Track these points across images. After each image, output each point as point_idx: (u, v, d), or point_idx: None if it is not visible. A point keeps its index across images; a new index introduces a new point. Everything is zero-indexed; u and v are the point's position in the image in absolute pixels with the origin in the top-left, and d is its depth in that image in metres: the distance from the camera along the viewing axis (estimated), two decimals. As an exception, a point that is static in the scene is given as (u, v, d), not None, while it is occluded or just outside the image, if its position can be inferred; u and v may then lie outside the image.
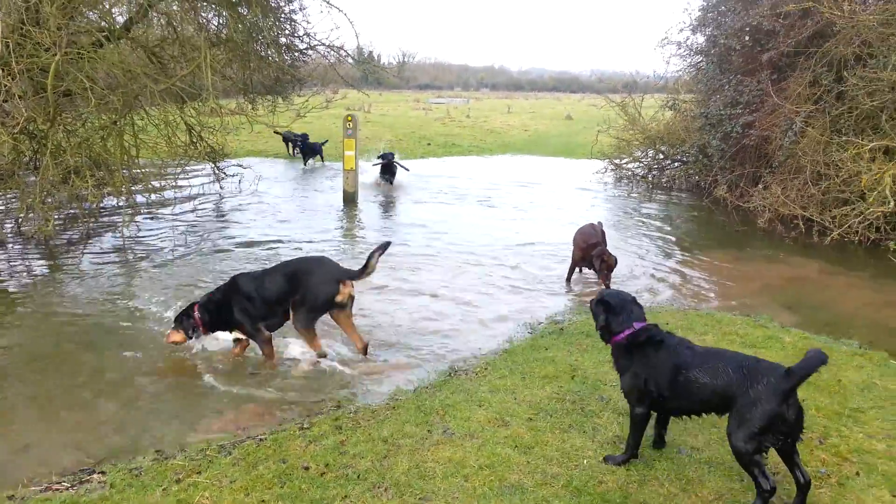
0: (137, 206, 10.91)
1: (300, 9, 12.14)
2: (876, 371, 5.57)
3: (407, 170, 15.24)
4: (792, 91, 11.81)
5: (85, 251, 9.09)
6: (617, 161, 17.95)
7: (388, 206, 13.39)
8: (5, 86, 7.30)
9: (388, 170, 14.92)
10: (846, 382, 5.29)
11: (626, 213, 13.44)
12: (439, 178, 16.44)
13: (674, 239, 11.01)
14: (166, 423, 4.60)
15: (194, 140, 11.92)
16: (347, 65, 12.75)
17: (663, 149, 17.19)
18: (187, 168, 13.17)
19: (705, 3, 14.76)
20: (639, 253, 9.90)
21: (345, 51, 11.63)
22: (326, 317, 5.69)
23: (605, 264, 7.79)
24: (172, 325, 5.62)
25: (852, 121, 10.63)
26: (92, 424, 4.59)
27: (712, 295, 8.04)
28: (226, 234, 10.38)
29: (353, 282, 5.59)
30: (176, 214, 11.66)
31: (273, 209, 12.40)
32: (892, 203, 9.09)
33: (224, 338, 5.77)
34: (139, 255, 8.97)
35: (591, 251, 7.91)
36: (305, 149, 18.73)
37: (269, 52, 11.02)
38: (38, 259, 8.80)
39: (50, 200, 8.67)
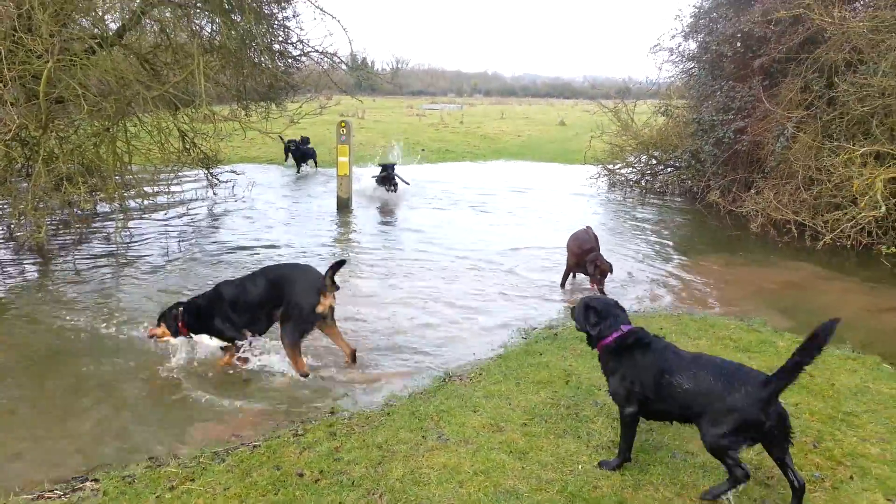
0: (130, 213, 10.88)
1: (293, 15, 12.07)
2: (869, 375, 5.59)
3: (407, 183, 14.83)
4: (783, 97, 11.89)
5: (77, 257, 9.05)
6: (610, 167, 17.98)
7: (381, 211, 13.38)
8: (-3, 92, 7.27)
9: (388, 181, 14.50)
10: (839, 386, 5.31)
11: (619, 218, 13.47)
12: (433, 184, 16.44)
13: (667, 244, 11.04)
14: (159, 431, 4.58)
15: (187, 146, 11.89)
16: (341, 71, 12.73)
17: (656, 154, 17.24)
18: (180, 174, 13.16)
19: (697, 10, 14.84)
20: (632, 258, 9.92)
21: (338, 57, 11.64)
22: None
23: (599, 269, 7.81)
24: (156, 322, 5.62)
25: (843, 126, 10.69)
26: (84, 432, 4.56)
27: (706, 299, 8.07)
28: (218, 240, 10.36)
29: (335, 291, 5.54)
30: (168, 221, 11.64)
31: (266, 215, 12.39)
32: (883, 208, 9.14)
33: (215, 344, 5.74)
34: (131, 262, 8.94)
35: (585, 256, 7.93)
36: (298, 154, 18.69)
37: (263, 59, 11.00)
38: (30, 265, 8.76)
39: (42, 206, 8.63)
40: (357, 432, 4.43)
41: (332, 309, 5.55)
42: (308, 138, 19.11)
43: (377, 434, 4.39)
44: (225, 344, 5.64)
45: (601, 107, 18.65)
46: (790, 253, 10.28)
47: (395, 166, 14.72)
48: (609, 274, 7.95)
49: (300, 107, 11.06)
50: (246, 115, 11.81)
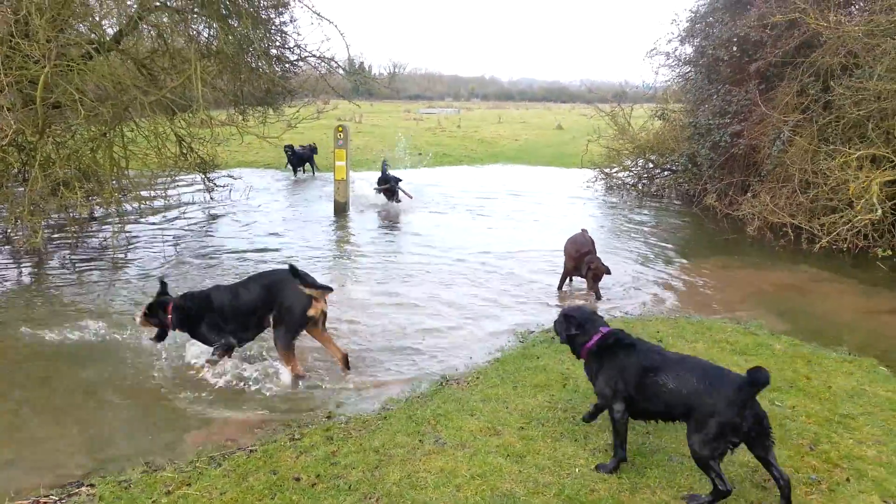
0: (126, 217, 10.87)
1: (291, 20, 12.09)
2: (865, 378, 5.60)
3: (410, 197, 14.18)
4: (779, 100, 11.92)
5: (72, 261, 9.04)
6: (607, 170, 18.02)
7: (379, 215, 13.37)
8: (-6, 98, 7.27)
9: (391, 194, 14.05)
10: (836, 389, 5.31)
11: (616, 221, 13.49)
12: (431, 188, 16.46)
13: (664, 247, 11.06)
14: (155, 435, 4.57)
15: (184, 151, 11.88)
16: (338, 76, 12.74)
17: (653, 158, 17.29)
18: (177, 179, 13.15)
19: (694, 14, 14.89)
20: (629, 261, 9.93)
21: (335, 62, 11.64)
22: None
23: (592, 272, 7.83)
24: (145, 311, 5.56)
25: (839, 130, 10.72)
26: (80, 437, 4.55)
27: (702, 302, 8.07)
28: (215, 244, 10.35)
29: (326, 295, 5.53)
30: (165, 225, 11.63)
31: (263, 220, 12.39)
32: (879, 211, 9.16)
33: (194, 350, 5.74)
34: (127, 266, 8.93)
35: (582, 259, 7.95)
36: (294, 159, 18.67)
37: (260, 64, 11.01)
38: (26, 269, 8.75)
39: (38, 211, 8.62)
40: (354, 436, 4.43)
41: (324, 314, 5.54)
42: (315, 146, 19.10)
43: (374, 438, 4.38)
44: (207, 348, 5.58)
45: (598, 111, 18.69)
46: (787, 256, 10.30)
47: (400, 182, 14.25)
48: (605, 276, 7.95)
49: (297, 111, 11.08)
50: (243, 119, 11.82)
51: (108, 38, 9.32)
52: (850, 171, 9.78)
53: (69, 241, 10.07)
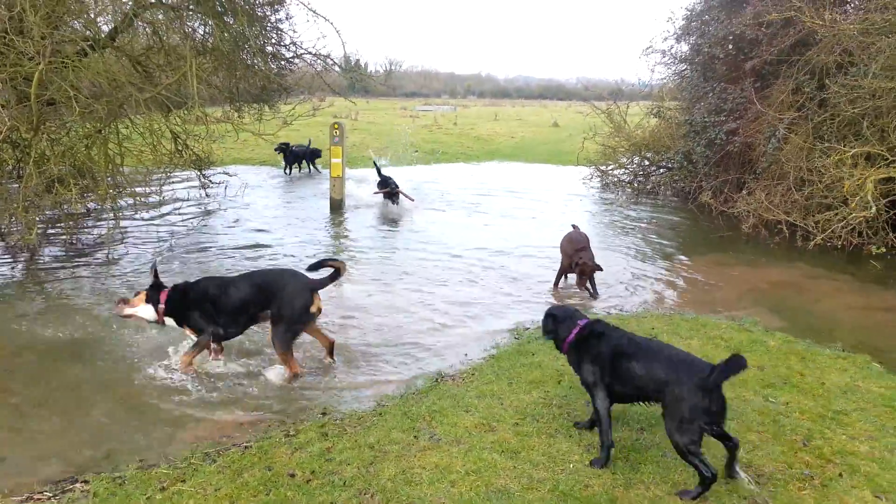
0: (121, 213, 10.84)
1: (286, 18, 12.05)
2: (858, 374, 5.63)
3: (412, 200, 13.73)
4: (775, 98, 11.94)
5: (67, 259, 9.02)
6: (603, 168, 18.04)
7: (375, 213, 13.36)
8: (-12, 94, 7.25)
9: (392, 197, 13.57)
10: (829, 385, 5.34)
11: (612, 219, 13.51)
12: (427, 185, 16.46)
13: (659, 244, 11.08)
14: (150, 431, 4.57)
15: (179, 148, 11.85)
16: (334, 73, 12.71)
17: (648, 155, 17.29)
18: (172, 176, 13.11)
19: (690, 12, 14.90)
20: (624, 258, 9.95)
21: (331, 59, 11.62)
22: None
23: (580, 268, 7.85)
24: (135, 295, 5.54)
25: (834, 127, 10.74)
26: (73, 433, 4.54)
27: (697, 299, 8.10)
28: (209, 241, 10.34)
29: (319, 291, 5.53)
30: (160, 222, 11.61)
31: (258, 217, 12.38)
32: (873, 208, 9.18)
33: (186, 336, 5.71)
34: (121, 262, 8.91)
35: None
36: (290, 157, 18.59)
37: (256, 61, 10.98)
38: (20, 266, 8.73)
39: (33, 208, 8.59)
40: (349, 433, 4.44)
41: (319, 310, 5.55)
42: (318, 150, 19.00)
43: (369, 434, 4.39)
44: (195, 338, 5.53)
45: (594, 108, 18.70)
46: (781, 253, 10.33)
47: (399, 185, 13.81)
48: (599, 273, 7.95)
49: (293, 108, 11.06)
50: (239, 116, 11.79)
51: (103, 35, 9.29)
52: (844, 168, 9.80)
53: (64, 236, 10.04)
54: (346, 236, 11.32)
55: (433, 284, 8.30)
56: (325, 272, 5.60)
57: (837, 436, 4.48)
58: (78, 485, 3.84)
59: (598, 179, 17.94)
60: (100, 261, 9.01)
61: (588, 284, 8.10)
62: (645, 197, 16.27)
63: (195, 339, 5.49)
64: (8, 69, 7.40)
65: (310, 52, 11.40)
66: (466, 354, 6.07)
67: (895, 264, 9.47)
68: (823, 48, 10.98)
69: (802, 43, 11.70)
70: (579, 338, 4.30)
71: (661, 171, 16.88)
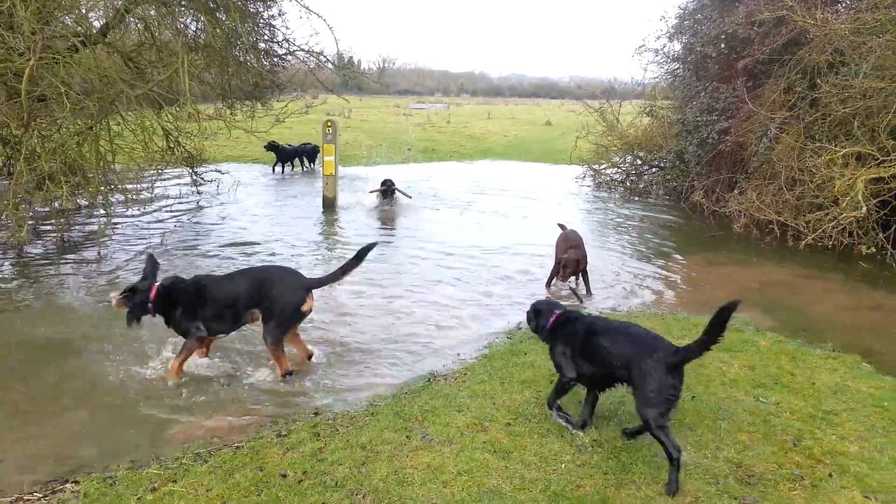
0: (112, 211, 10.79)
1: (279, 14, 12.07)
2: (849, 374, 5.66)
3: (409, 197, 13.54)
4: (767, 98, 11.99)
5: (57, 257, 8.97)
6: (595, 167, 18.08)
7: (368, 211, 13.34)
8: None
9: (388, 196, 13.42)
10: (820, 385, 5.37)
11: (604, 217, 13.53)
12: (420, 183, 16.44)
13: (651, 243, 11.11)
14: (141, 432, 4.55)
15: (171, 145, 11.81)
16: (327, 70, 12.70)
17: (641, 154, 17.34)
18: (164, 173, 13.07)
19: (682, 11, 14.93)
20: (617, 257, 9.97)
21: (324, 56, 11.62)
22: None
23: (563, 262, 7.89)
24: (124, 293, 5.39)
25: (826, 127, 10.79)
26: (63, 434, 4.52)
27: (689, 298, 8.12)
28: (201, 239, 10.30)
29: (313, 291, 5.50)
30: (152, 220, 11.56)
31: (250, 214, 12.34)
32: (864, 208, 9.23)
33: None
34: (112, 261, 8.86)
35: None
36: (282, 155, 18.46)
37: (248, 58, 10.95)
38: (9, 264, 8.67)
39: (24, 205, 8.54)
40: (341, 433, 4.43)
41: (311, 309, 5.53)
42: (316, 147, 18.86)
43: (361, 434, 4.38)
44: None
45: (587, 107, 18.74)
46: (773, 253, 10.37)
47: (394, 182, 13.68)
48: (577, 267, 7.93)
49: (286, 106, 11.03)
50: (231, 114, 11.75)
51: (94, 31, 9.24)
52: (835, 168, 9.85)
53: (55, 233, 9.98)
54: (337, 235, 11.29)
55: (426, 283, 8.29)
56: (322, 271, 5.58)
57: (827, 436, 4.50)
58: (68, 485, 3.82)
59: (591, 178, 17.98)
60: (90, 258, 8.96)
61: (582, 282, 8.14)
62: (637, 196, 16.32)
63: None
64: (-2, 65, 7.35)
65: (303, 49, 11.40)
66: (459, 354, 6.07)
67: (885, 264, 9.52)
68: (815, 47, 11.03)
69: (794, 42, 11.75)
70: (555, 323, 4.59)
71: (654, 170, 16.93)
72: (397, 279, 8.47)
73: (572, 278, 8.30)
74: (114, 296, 5.37)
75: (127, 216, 11.55)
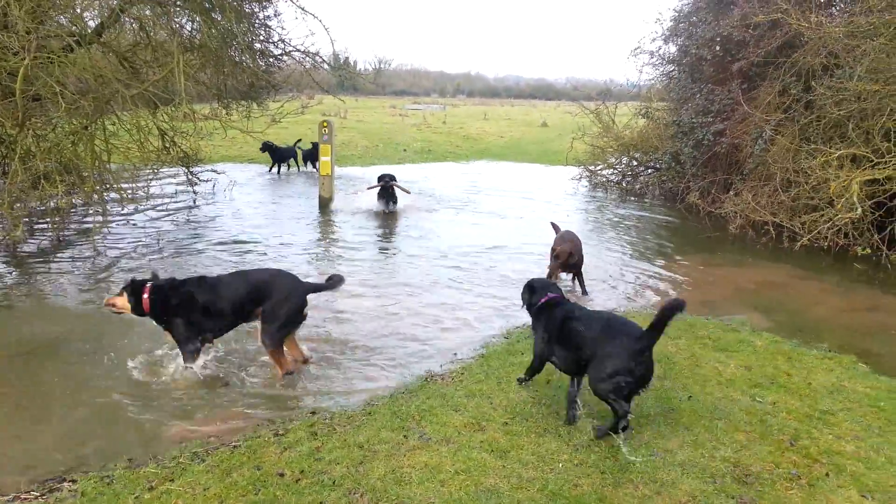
0: (108, 210, 10.76)
1: (275, 15, 12.03)
2: (845, 374, 5.68)
3: (408, 192, 13.21)
4: (762, 100, 12.03)
5: (53, 256, 8.94)
6: (592, 168, 18.12)
7: (364, 212, 13.33)
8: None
9: (386, 193, 12.91)
10: (816, 385, 5.38)
11: (600, 219, 13.55)
12: (416, 184, 16.42)
13: (647, 244, 11.13)
14: (138, 431, 4.53)
15: (167, 145, 11.79)
16: (323, 71, 12.70)
17: (637, 156, 17.39)
18: (160, 173, 13.04)
19: (678, 14, 14.98)
20: (613, 258, 9.99)
21: (320, 56, 11.61)
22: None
23: (556, 254, 7.95)
24: (118, 293, 5.39)
25: (820, 129, 10.84)
26: (60, 433, 4.50)
27: (685, 299, 8.07)
28: (197, 239, 10.27)
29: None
30: (147, 220, 11.52)
31: (247, 215, 12.31)
32: (859, 209, 9.27)
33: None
34: (108, 261, 8.83)
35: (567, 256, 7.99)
36: (276, 156, 18.40)
37: (244, 58, 10.95)
38: (4, 264, 8.63)
39: (19, 206, 8.51)
40: (338, 432, 4.42)
41: (305, 315, 5.54)
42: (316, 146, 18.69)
43: (358, 434, 4.38)
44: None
45: (583, 108, 18.78)
46: (768, 254, 10.41)
47: (395, 177, 13.26)
48: (569, 260, 7.93)
49: (282, 106, 11.02)
50: (227, 114, 11.74)
51: (89, 31, 9.22)
52: (830, 170, 9.89)
53: (50, 231, 9.94)
54: (333, 236, 11.28)
55: (421, 283, 8.29)
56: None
57: (824, 435, 4.52)
58: (66, 484, 3.81)
59: (587, 179, 18.01)
60: (85, 256, 8.93)
61: (577, 282, 8.17)
62: (633, 197, 16.35)
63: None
64: (-7, 64, 7.33)
65: (298, 50, 11.40)
66: (456, 354, 6.06)
67: (881, 265, 9.56)
68: (809, 50, 11.07)
69: (789, 45, 11.79)
70: (543, 306, 4.91)
71: (650, 171, 16.97)
72: (394, 279, 8.46)
73: (568, 278, 8.34)
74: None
75: (122, 215, 11.51)
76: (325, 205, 13.12)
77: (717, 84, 13.27)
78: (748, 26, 11.97)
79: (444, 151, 24.93)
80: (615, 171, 17.96)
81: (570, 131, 18.96)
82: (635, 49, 16.06)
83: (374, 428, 4.46)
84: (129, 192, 10.85)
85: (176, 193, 13.69)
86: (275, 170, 18.47)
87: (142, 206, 12.23)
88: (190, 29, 10.40)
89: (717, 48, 13.50)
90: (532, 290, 5.07)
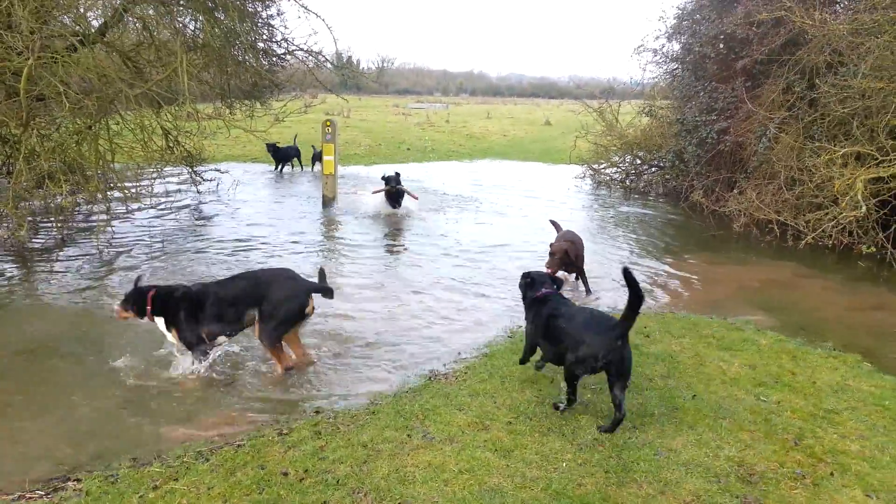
0: (112, 210, 10.79)
1: (278, 14, 12.09)
2: (849, 373, 5.67)
3: (415, 198, 12.73)
4: (766, 98, 12.00)
5: (58, 255, 8.96)
6: (595, 166, 18.10)
7: (367, 210, 13.32)
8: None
9: (392, 197, 12.61)
10: (821, 384, 5.37)
11: (603, 217, 13.54)
12: (419, 183, 16.42)
13: (651, 243, 11.11)
14: (142, 430, 4.54)
15: (171, 144, 11.81)
16: (326, 70, 12.70)
17: (640, 154, 17.37)
18: (164, 172, 13.06)
19: (681, 12, 14.94)
20: (616, 257, 9.97)
21: (323, 56, 11.63)
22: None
23: (552, 249, 7.95)
24: (120, 302, 5.45)
25: (825, 127, 10.81)
26: (65, 432, 4.50)
27: (689, 298, 8.12)
28: (201, 238, 10.28)
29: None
30: (151, 219, 11.54)
31: (249, 214, 12.31)
32: (863, 208, 9.25)
33: (169, 338, 5.65)
34: (113, 259, 8.84)
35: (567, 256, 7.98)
36: (279, 155, 18.40)
37: (247, 57, 10.96)
38: (10, 263, 8.65)
39: (23, 205, 8.54)
40: (342, 431, 4.42)
41: (313, 309, 5.54)
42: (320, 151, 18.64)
43: (362, 433, 4.38)
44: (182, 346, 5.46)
45: (586, 107, 18.76)
46: (772, 252, 10.38)
47: (401, 178, 12.83)
48: (564, 255, 7.92)
49: (285, 105, 11.02)
50: (230, 113, 11.75)
51: (92, 31, 9.23)
52: (835, 168, 9.87)
53: (54, 230, 9.97)
54: (336, 235, 11.28)
55: (425, 282, 8.28)
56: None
57: (829, 435, 4.50)
58: (70, 483, 3.82)
59: (591, 178, 17.99)
60: (89, 255, 8.94)
61: (580, 281, 8.16)
62: (637, 196, 16.33)
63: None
64: (-3, 64, 7.34)
65: (301, 49, 11.41)
66: (459, 353, 6.06)
67: (885, 263, 9.53)
68: (813, 48, 11.04)
69: (793, 42, 11.76)
70: (536, 299, 5.15)
71: (653, 169, 16.95)
72: (397, 278, 8.46)
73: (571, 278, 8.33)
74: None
75: (125, 215, 11.53)
76: (328, 204, 13.12)
77: (720, 82, 13.24)
78: (752, 24, 11.94)
79: (447, 150, 24.92)
80: (618, 170, 17.94)
81: (574, 130, 18.94)
82: (638, 47, 16.08)
83: (377, 427, 4.47)
84: (133, 190, 10.88)
85: (179, 193, 13.70)
86: (281, 169, 18.51)
87: (145, 205, 12.25)
88: (193, 28, 10.42)
89: (721, 46, 13.47)
90: (530, 284, 5.33)
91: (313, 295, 5.50)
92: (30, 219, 9.17)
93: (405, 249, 10.01)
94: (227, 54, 10.33)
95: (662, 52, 15.73)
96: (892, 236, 9.66)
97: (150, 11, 9.93)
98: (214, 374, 5.39)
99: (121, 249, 9.40)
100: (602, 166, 18.11)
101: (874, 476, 4.00)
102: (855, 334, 6.90)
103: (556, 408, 4.77)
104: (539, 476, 3.89)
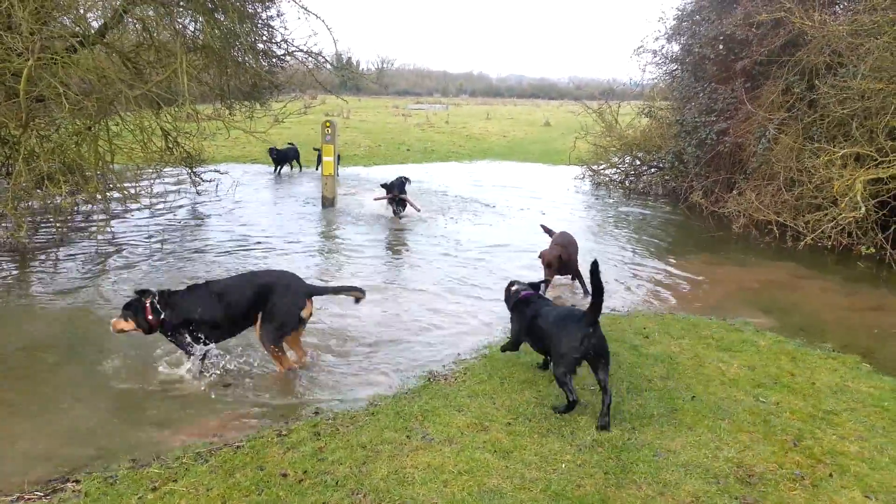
0: (111, 211, 10.78)
1: (278, 15, 12.07)
2: (848, 374, 5.67)
3: (418, 210, 12.47)
4: (765, 99, 12.00)
5: (57, 256, 8.96)
6: (594, 167, 18.11)
7: (366, 212, 13.32)
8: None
9: (399, 205, 12.40)
10: (820, 385, 5.37)
11: (603, 218, 13.54)
12: (419, 184, 16.42)
13: (650, 244, 11.11)
14: (141, 431, 4.53)
15: (170, 145, 11.80)
16: (326, 71, 12.70)
17: (640, 155, 17.37)
18: (163, 173, 13.06)
19: (680, 13, 14.95)
20: (616, 258, 9.98)
21: (323, 57, 11.62)
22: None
23: (544, 261, 7.96)
24: (120, 314, 5.38)
25: (824, 128, 10.81)
26: (64, 433, 4.50)
27: (689, 299, 8.12)
28: (200, 239, 10.29)
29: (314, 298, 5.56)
30: (151, 220, 11.54)
31: (248, 214, 12.32)
32: (862, 209, 9.25)
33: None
34: (112, 261, 8.84)
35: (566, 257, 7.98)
36: (278, 157, 18.40)
37: (247, 58, 10.95)
38: (8, 263, 8.65)
39: (23, 206, 8.53)
40: (341, 432, 4.43)
41: (310, 314, 5.55)
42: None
43: (361, 434, 4.38)
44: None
45: (586, 108, 18.78)
46: (772, 253, 10.38)
47: (407, 182, 12.68)
48: (557, 262, 7.91)
49: (285, 106, 11.02)
50: (230, 114, 11.74)
51: (92, 32, 9.23)
52: (834, 169, 9.87)
53: (54, 234, 9.97)
54: (336, 236, 11.28)
55: (424, 283, 8.28)
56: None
57: (828, 436, 4.51)
58: (69, 484, 3.81)
59: (590, 179, 18.00)
60: (87, 255, 8.94)
61: (578, 282, 8.17)
62: (636, 196, 16.33)
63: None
64: (-4, 65, 7.34)
65: (301, 50, 11.41)
66: (459, 354, 6.06)
67: (884, 264, 9.53)
68: (813, 49, 11.04)
69: (792, 44, 11.77)
70: (518, 302, 5.50)
71: (653, 170, 16.95)
72: (395, 279, 8.46)
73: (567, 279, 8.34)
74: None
75: (124, 216, 11.52)
76: (327, 205, 13.12)
77: (720, 83, 13.25)
78: (751, 25, 11.94)
79: (446, 151, 24.93)
80: (618, 171, 17.95)
81: (573, 131, 18.96)
82: (638, 48, 16.10)
83: (377, 428, 4.47)
84: (132, 192, 10.87)
85: (178, 194, 13.70)
86: (279, 170, 18.50)
87: (144, 206, 12.25)
88: (193, 29, 10.42)
89: (721, 47, 13.48)
90: (510, 291, 5.76)
91: (313, 298, 5.51)
92: (29, 219, 9.17)
93: (405, 250, 10.01)
94: (227, 55, 10.33)
95: (662, 53, 15.76)
96: (891, 237, 9.66)
97: (150, 12, 9.92)
98: (214, 375, 5.39)
99: (118, 251, 9.40)
100: (601, 167, 18.12)
101: (873, 477, 4.01)
102: (854, 335, 6.91)
103: (556, 410, 4.77)
104: (538, 477, 3.90)
